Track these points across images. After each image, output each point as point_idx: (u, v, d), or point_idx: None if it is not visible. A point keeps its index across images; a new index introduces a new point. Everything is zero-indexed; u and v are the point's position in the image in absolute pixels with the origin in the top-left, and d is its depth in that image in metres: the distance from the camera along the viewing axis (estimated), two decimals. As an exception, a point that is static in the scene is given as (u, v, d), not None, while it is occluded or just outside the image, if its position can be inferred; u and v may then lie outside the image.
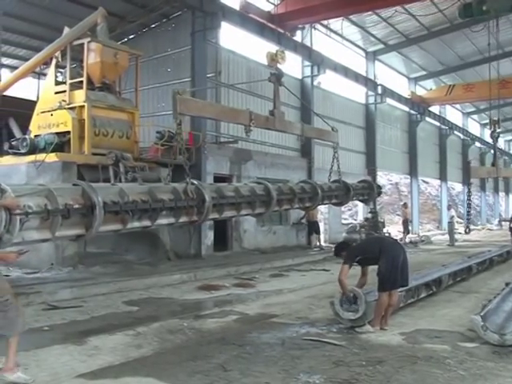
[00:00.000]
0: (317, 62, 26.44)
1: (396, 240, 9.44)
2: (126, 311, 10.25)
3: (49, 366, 6.35)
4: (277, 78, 12.84)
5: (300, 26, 24.69)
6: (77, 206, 7.57)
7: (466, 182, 22.04)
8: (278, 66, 13.00)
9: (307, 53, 26.07)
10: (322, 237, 25.16)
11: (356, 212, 35.61)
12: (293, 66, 26.20)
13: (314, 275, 15.54)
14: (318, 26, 27.98)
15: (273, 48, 23.52)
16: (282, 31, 23.12)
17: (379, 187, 17.05)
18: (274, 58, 12.69)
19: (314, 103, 26.08)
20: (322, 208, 28.28)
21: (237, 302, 11.05)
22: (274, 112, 12.93)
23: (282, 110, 13.43)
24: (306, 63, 26.63)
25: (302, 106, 24.50)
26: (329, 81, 28.94)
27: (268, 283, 13.96)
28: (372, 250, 8.35)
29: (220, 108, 14.29)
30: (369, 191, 16.17)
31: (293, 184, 13.52)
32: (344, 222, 31.18)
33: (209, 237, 19.59)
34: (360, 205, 32.23)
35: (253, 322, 9.07)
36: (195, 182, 9.94)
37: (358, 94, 32.54)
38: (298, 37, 26.07)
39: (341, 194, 14.77)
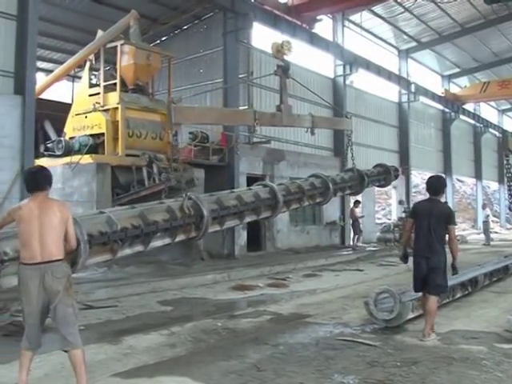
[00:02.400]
0: (349, 60, 26.31)
1: None
2: (161, 311, 10.31)
3: (85, 365, 6.41)
4: (283, 70, 12.24)
5: (318, 17, 23.95)
6: None
7: (503, 152, 20.38)
8: (285, 57, 12.51)
9: (339, 52, 25.97)
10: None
11: (390, 211, 35.33)
12: (325, 65, 26.17)
13: (348, 275, 15.45)
14: (349, 24, 27.88)
15: (305, 47, 23.69)
16: (299, 23, 22.60)
17: (396, 170, 16.31)
18: (279, 50, 12.23)
19: (346, 102, 25.96)
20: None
21: (270, 302, 11.03)
22: (280, 107, 12.33)
23: (290, 104, 12.82)
24: (339, 62, 26.50)
25: (335, 104, 24.39)
26: (361, 79, 28.78)
27: (301, 283, 13.92)
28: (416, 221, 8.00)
29: (220, 112, 13.37)
30: (385, 176, 15.71)
31: (302, 181, 12.91)
32: (378, 221, 30.99)
33: (242, 237, 19.64)
34: (394, 204, 31.99)
35: (286, 322, 9.04)
36: (193, 196, 9.37)
37: (390, 92, 32.29)
38: (329, 36, 26.02)
39: (355, 183, 14.30)
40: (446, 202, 22.71)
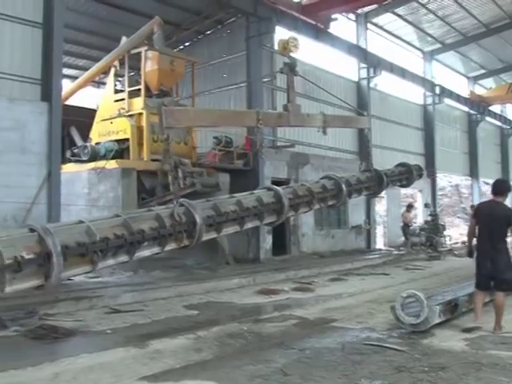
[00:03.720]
0: (373, 63, 26.21)
1: None
2: (187, 315, 10.32)
3: (112, 368, 6.45)
4: (290, 67, 11.85)
5: (333, 17, 23.20)
6: (30, 257, 6.70)
7: None
8: (292, 54, 12.07)
9: (362, 54, 25.89)
10: (381, 240, 24.80)
11: (416, 215, 35.05)
12: (349, 68, 26.10)
13: (374, 279, 15.36)
14: (373, 26, 27.76)
15: (328, 52, 23.65)
16: (313, 22, 22.05)
17: (420, 169, 15.94)
18: (286, 47, 11.84)
19: (370, 105, 25.85)
20: (381, 211, 28.02)
21: (296, 307, 11.00)
22: (287, 106, 11.90)
23: (299, 103, 12.32)
24: (362, 65, 26.41)
25: (359, 109, 24.29)
26: (385, 82, 28.62)
27: (327, 287, 13.86)
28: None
29: (218, 114, 12.49)
30: (407, 175, 15.21)
31: (313, 183, 12.57)
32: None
33: (267, 241, 19.61)
34: (420, 208, 31.74)
35: (312, 327, 9.01)
36: (185, 202, 8.98)
37: (415, 94, 32.07)
38: (353, 38, 25.96)
39: (372, 184, 13.83)
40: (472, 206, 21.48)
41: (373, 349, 7.19)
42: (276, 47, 20.74)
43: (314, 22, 21.97)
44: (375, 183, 13.98)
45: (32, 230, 7.17)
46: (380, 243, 27.15)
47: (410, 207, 24.17)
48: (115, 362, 6.75)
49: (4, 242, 6.63)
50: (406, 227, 23.74)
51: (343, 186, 12.48)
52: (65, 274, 7.27)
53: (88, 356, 6.92)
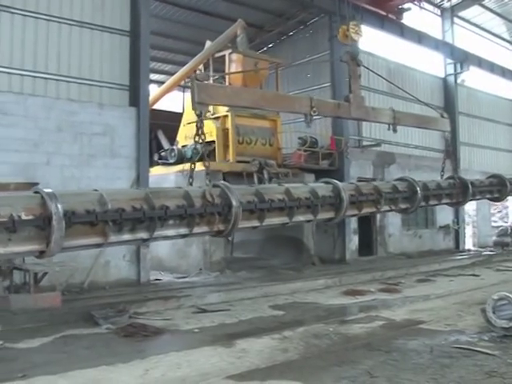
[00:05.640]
0: (460, 58, 25.52)
1: None
2: (272, 315, 10.39)
3: (199, 367, 6.58)
4: (351, 56, 11.40)
5: (405, 7, 22.05)
6: (28, 218, 6.15)
7: None
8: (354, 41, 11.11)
9: (449, 50, 25.27)
10: (471, 241, 24.07)
11: (506, 214, 33.88)
12: (435, 64, 25.53)
13: (463, 280, 14.97)
14: (459, 20, 27.02)
15: (413, 48, 23.23)
16: (384, 13, 21.34)
17: None
18: (346, 34, 11.00)
19: (458, 102, 25.19)
20: (470, 211, 27.24)
21: (382, 308, 10.88)
22: (349, 97, 10.69)
23: (362, 95, 11.00)
24: (449, 61, 25.76)
25: (446, 106, 23.72)
26: (473, 78, 27.79)
27: (414, 288, 13.63)
28: None
29: (261, 94, 11.09)
30: (499, 187, 14.36)
31: (381, 183, 11.70)
32: (494, 224, 29.81)
33: (353, 241, 19.46)
34: (511, 206, 30.69)
35: (399, 328, 8.87)
36: (221, 184, 8.11)
37: (505, 89, 30.93)
38: (438, 34, 25.37)
39: (455, 192, 13.11)
40: None
41: (462, 352, 6.99)
42: (359, 45, 20.71)
43: (384, 13, 21.45)
44: (459, 192, 13.18)
45: (37, 193, 6.57)
46: (469, 243, 26.42)
47: None
48: (202, 361, 6.88)
49: (2, 200, 6.20)
50: None
51: (418, 189, 11.74)
52: (70, 243, 6.60)
53: (176, 354, 7.09)
